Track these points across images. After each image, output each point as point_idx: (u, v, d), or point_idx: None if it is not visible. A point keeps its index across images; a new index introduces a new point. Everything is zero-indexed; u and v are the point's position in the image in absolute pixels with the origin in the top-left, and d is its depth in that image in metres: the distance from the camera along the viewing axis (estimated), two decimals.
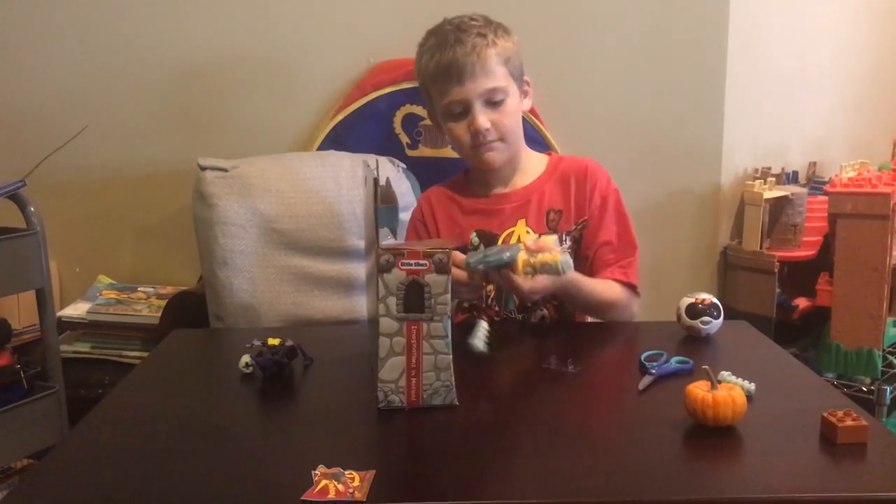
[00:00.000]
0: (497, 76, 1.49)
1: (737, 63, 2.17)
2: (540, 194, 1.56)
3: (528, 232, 1.52)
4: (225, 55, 2.10)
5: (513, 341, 1.44)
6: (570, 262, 1.30)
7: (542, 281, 1.33)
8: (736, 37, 2.15)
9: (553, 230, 1.53)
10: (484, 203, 1.59)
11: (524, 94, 1.57)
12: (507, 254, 1.29)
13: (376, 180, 1.08)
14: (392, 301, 1.05)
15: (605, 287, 1.50)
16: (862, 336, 2.04)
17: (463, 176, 1.67)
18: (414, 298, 1.05)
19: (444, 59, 1.47)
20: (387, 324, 1.05)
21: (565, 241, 1.53)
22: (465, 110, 1.49)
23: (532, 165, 1.60)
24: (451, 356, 1.07)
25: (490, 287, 1.50)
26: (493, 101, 1.49)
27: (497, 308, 1.52)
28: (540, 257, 1.29)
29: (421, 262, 1.04)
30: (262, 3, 2.09)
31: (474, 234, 1.55)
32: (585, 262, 1.54)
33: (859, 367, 2.06)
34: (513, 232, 1.53)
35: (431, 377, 1.07)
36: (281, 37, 2.10)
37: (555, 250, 1.29)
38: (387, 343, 1.06)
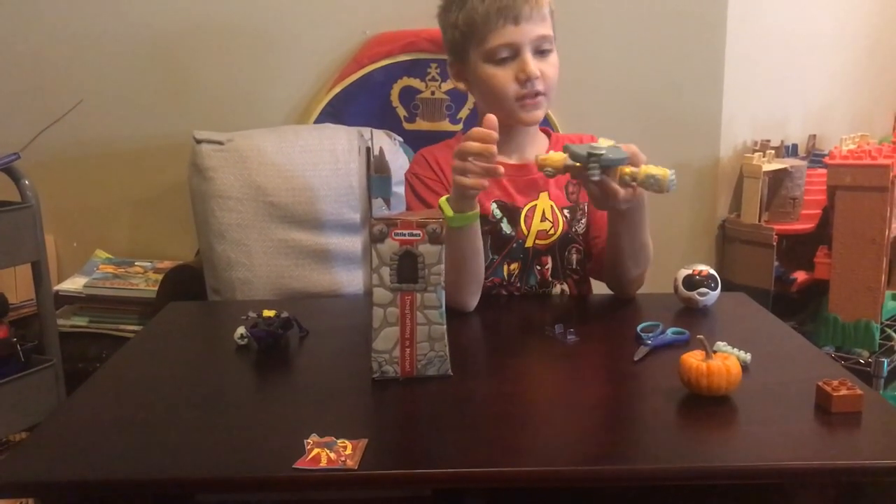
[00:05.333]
0: (548, 24, 1.44)
1: (737, 35, 2.16)
2: None
3: (551, 206, 1.48)
4: (220, 27, 2.08)
5: (510, 310, 1.44)
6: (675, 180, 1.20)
7: (637, 192, 1.27)
8: (736, 8, 2.14)
9: (575, 202, 1.50)
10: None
11: None
12: (623, 156, 1.21)
13: (369, 149, 1.08)
14: (385, 271, 1.04)
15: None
16: (860, 309, 2.04)
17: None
18: (407, 269, 1.04)
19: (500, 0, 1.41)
20: (380, 294, 1.05)
21: (581, 208, 1.51)
22: (512, 55, 1.42)
23: (539, 138, 1.56)
24: (444, 326, 1.07)
25: (514, 266, 1.47)
26: (541, 50, 1.43)
27: (518, 284, 1.49)
28: (644, 169, 1.20)
29: (414, 231, 1.04)
30: None
31: (494, 204, 1.47)
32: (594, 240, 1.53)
33: (857, 339, 2.06)
34: (536, 206, 1.48)
35: (425, 347, 1.07)
36: (276, 8, 2.08)
37: (660, 166, 1.21)
38: (380, 313, 1.05)
